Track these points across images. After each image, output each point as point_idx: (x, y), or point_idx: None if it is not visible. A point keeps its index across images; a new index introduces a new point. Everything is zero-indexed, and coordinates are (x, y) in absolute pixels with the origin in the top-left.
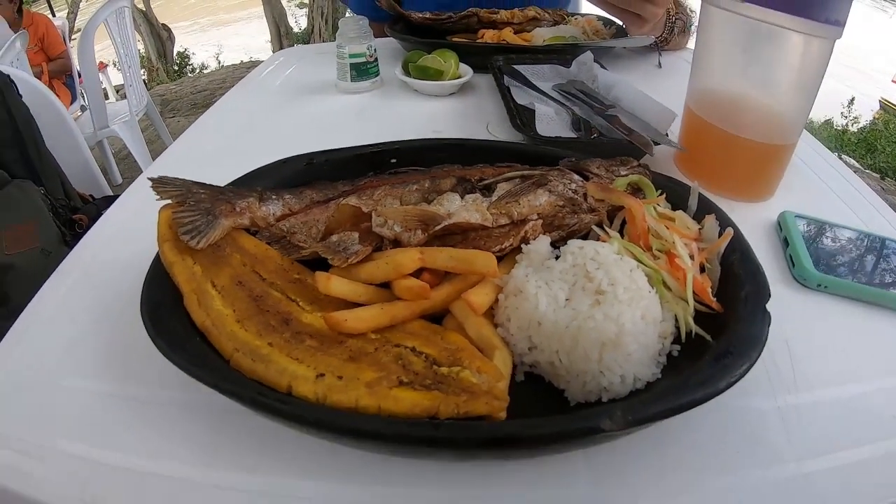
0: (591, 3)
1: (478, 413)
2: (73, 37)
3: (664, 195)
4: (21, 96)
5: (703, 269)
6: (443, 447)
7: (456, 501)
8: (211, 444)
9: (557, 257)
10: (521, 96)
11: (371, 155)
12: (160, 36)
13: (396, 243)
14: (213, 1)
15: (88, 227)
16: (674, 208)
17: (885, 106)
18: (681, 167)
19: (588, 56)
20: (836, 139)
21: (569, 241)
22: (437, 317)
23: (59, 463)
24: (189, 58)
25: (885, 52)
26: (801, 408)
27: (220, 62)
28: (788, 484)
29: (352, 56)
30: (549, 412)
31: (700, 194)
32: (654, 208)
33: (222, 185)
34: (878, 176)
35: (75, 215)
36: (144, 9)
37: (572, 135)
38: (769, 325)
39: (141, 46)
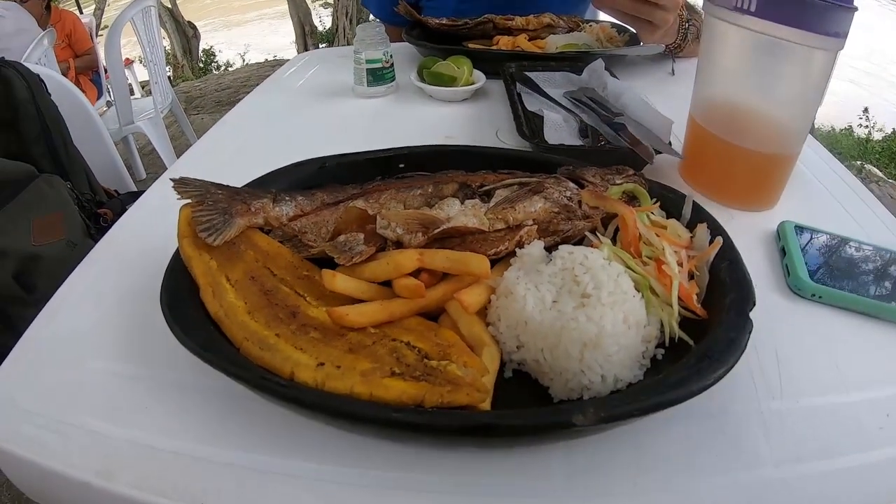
0: (602, 11)
1: (460, 403)
2: (99, 33)
3: (658, 203)
4: (50, 94)
5: (691, 277)
6: (424, 432)
7: (439, 486)
8: (220, 425)
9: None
10: (532, 103)
11: (381, 160)
12: (186, 34)
13: (398, 244)
14: None
15: (113, 221)
16: (669, 216)
17: None
18: (684, 176)
19: (599, 64)
20: (859, 148)
21: (560, 247)
22: (435, 315)
23: (79, 438)
24: (214, 55)
25: None
26: (784, 414)
27: (244, 60)
28: (765, 487)
29: (368, 62)
30: (532, 407)
31: (694, 203)
32: (648, 216)
33: (239, 185)
34: None
35: (100, 209)
36: (171, 6)
37: (578, 142)
38: (750, 332)
39: (167, 43)
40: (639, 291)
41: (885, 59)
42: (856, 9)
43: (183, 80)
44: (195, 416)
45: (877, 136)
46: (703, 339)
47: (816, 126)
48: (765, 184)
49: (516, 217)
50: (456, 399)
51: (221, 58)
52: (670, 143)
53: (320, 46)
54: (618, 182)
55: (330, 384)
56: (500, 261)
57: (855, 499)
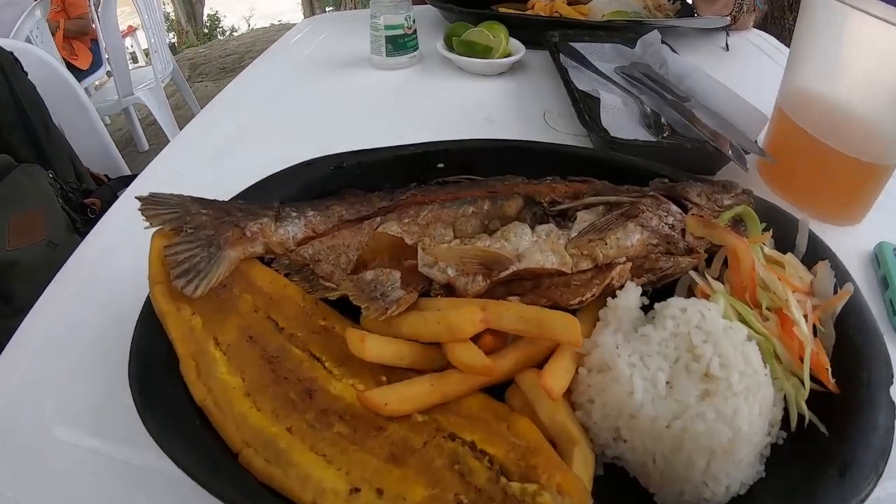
0: None
1: None
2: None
3: (770, 231)
4: (27, 73)
5: (814, 332)
6: None
7: None
8: None
9: (644, 308)
10: (582, 80)
11: (413, 157)
12: None
13: (449, 288)
14: None
15: (103, 212)
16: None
17: None
18: (765, 177)
19: (655, 36)
20: None
21: (668, 302)
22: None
23: None
24: (219, 20)
25: None
26: None
27: (250, 25)
28: None
29: (388, 28)
30: None
31: (811, 232)
32: (761, 249)
33: (232, 191)
34: None
35: (87, 199)
36: None
37: (643, 130)
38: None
39: (170, 9)
40: (765, 362)
41: None
42: None
43: (188, 47)
44: None
45: None
46: (838, 428)
47: None
48: (858, 195)
49: (607, 253)
50: None
51: (226, 23)
52: (755, 142)
53: (327, 10)
54: (726, 203)
55: None
56: (583, 309)
57: None
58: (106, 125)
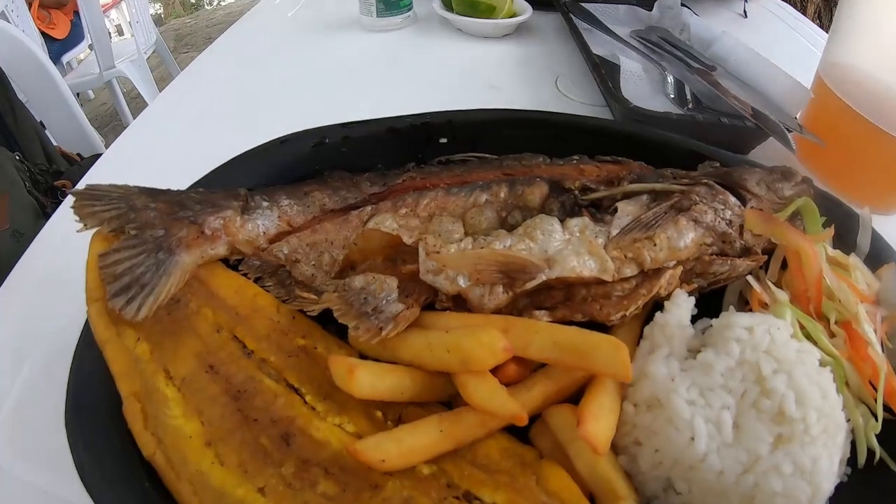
0: None
1: None
2: None
3: (833, 228)
4: None
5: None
6: None
7: None
8: None
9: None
10: (598, 44)
11: (410, 130)
12: None
13: (459, 299)
14: None
15: None
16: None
17: None
18: (802, 157)
19: None
20: None
21: (730, 319)
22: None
23: None
24: None
25: None
26: None
27: None
28: None
29: None
30: None
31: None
32: (825, 250)
33: (208, 167)
34: None
35: (58, 181)
36: None
37: (666, 101)
38: None
39: None
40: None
41: None
42: None
43: (175, 17)
44: None
45: None
46: None
47: None
48: None
49: (656, 257)
50: None
51: None
52: (797, 119)
53: None
54: (787, 194)
55: None
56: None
57: None
58: (89, 100)
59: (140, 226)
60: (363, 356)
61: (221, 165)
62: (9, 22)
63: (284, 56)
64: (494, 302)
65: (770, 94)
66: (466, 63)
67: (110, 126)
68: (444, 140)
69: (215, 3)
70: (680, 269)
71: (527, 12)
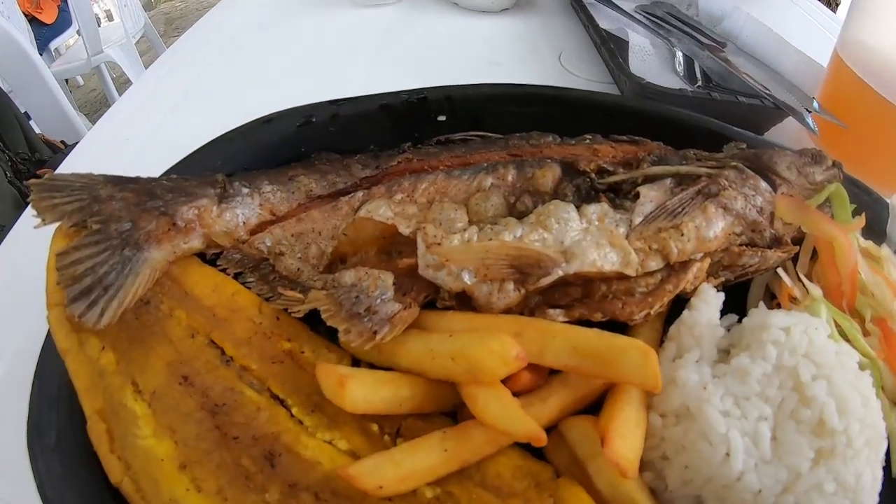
0: None
1: None
2: None
3: (864, 217)
4: None
5: None
6: None
7: None
8: None
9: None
10: (604, 19)
11: (406, 107)
12: None
13: (463, 297)
14: None
15: None
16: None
17: None
18: (822, 141)
19: None
20: None
21: (765, 319)
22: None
23: None
24: None
25: None
26: None
27: None
28: None
29: None
30: None
31: None
32: (857, 241)
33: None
34: None
35: (41, 170)
36: None
37: (675, 77)
38: None
39: None
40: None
41: None
42: None
43: (165, 1)
44: None
45: None
46: None
47: None
48: None
49: (683, 248)
50: None
51: None
52: (814, 99)
53: None
54: (818, 179)
55: None
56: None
57: None
58: (78, 86)
59: (104, 219)
60: (356, 361)
61: (198, 149)
62: None
63: (272, 33)
64: (504, 301)
65: (783, 71)
66: (463, 39)
67: (100, 112)
68: (442, 118)
69: None
70: (707, 261)
71: None
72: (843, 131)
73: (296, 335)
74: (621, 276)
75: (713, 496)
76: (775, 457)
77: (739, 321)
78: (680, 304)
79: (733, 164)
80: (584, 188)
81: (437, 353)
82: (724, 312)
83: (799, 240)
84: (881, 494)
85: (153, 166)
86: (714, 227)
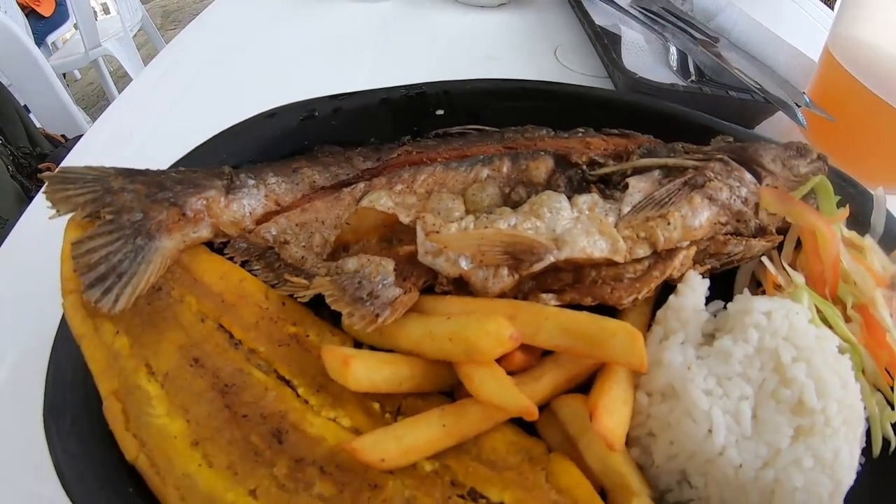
0: None
1: None
2: None
3: (848, 209)
4: None
5: None
6: None
7: None
8: None
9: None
10: (599, 14)
11: (405, 102)
12: None
13: (461, 282)
14: None
15: None
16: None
17: None
18: (811, 134)
19: None
20: None
21: (748, 304)
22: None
23: None
24: None
25: None
26: None
27: None
28: None
29: None
30: None
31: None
32: (841, 231)
33: (193, 143)
34: None
35: (42, 164)
36: None
37: (668, 72)
38: None
39: None
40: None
41: None
42: None
43: None
44: None
45: None
46: None
47: None
48: None
49: (670, 236)
50: None
51: None
52: (804, 94)
53: None
54: (803, 171)
55: None
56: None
57: None
58: (76, 80)
59: (116, 210)
60: (358, 343)
61: (204, 142)
62: None
63: (272, 28)
64: (499, 285)
65: (775, 66)
66: (460, 33)
67: (98, 106)
68: (440, 112)
69: None
70: (693, 249)
71: None
72: (831, 125)
73: (301, 319)
74: (610, 263)
75: (696, 470)
76: (755, 433)
77: (725, 307)
78: (668, 290)
79: (719, 156)
80: (576, 179)
81: (435, 334)
82: (711, 299)
83: (784, 230)
84: (861, 473)
85: (156, 160)
86: (699, 216)
